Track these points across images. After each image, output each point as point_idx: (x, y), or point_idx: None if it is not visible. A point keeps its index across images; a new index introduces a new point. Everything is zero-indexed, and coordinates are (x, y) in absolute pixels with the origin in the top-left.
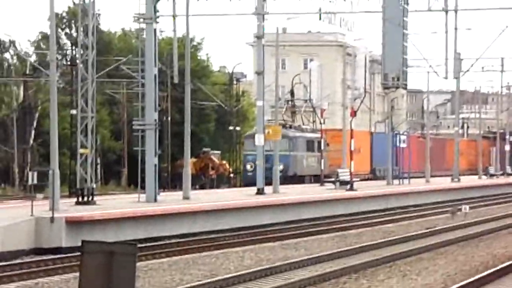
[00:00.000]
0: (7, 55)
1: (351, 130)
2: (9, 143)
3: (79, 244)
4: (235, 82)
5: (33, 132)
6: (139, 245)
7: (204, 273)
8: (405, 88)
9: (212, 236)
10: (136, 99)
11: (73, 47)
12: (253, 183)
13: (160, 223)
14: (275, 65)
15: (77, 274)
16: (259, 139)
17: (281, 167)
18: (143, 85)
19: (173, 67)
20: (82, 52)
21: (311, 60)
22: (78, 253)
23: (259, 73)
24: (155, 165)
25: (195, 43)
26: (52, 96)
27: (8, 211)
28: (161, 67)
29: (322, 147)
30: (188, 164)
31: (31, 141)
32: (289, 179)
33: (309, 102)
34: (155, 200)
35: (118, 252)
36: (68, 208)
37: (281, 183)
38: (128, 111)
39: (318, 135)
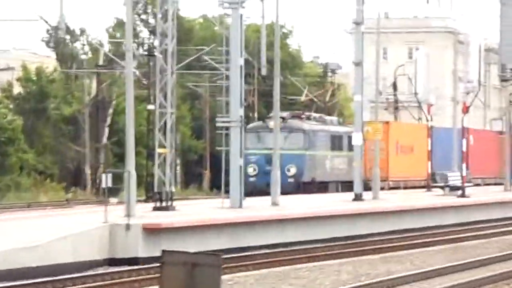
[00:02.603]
0: (78, 45)
1: (387, 123)
2: (81, 141)
3: (158, 254)
4: (329, 74)
5: (106, 129)
6: (224, 256)
7: None
8: None
9: (305, 246)
10: (220, 93)
11: (151, 35)
12: (256, 192)
13: (246, 231)
14: (376, 54)
15: (156, 287)
16: (357, 139)
17: (292, 170)
18: (227, 77)
19: (261, 57)
20: (160, 40)
21: (416, 48)
22: (157, 264)
23: (357, 64)
24: (241, 166)
25: (285, 31)
26: (128, 90)
27: (80, 217)
28: (248, 57)
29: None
30: (277, 165)
31: (105, 140)
32: (304, 186)
33: (414, 97)
34: (241, 206)
35: (201, 263)
36: (145, 214)
37: (293, 192)
38: (211, 107)
39: (348, 128)
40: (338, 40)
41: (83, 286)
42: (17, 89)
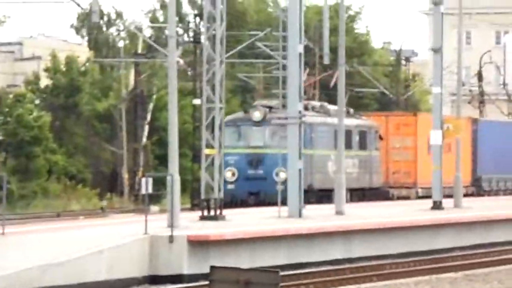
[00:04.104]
0: (113, 31)
1: (414, 114)
2: (117, 141)
3: (206, 270)
4: (403, 62)
5: (146, 127)
6: (281, 273)
7: None
8: None
9: (374, 262)
10: (276, 85)
11: (197, 19)
12: (234, 201)
13: (307, 245)
14: (458, 39)
15: None
16: (436, 137)
17: (282, 175)
18: (284, 67)
19: (323, 43)
20: (208, 25)
21: (505, 32)
22: (205, 283)
23: (436, 51)
24: (300, 170)
25: (351, 13)
26: (170, 82)
27: (116, 228)
28: (308, 43)
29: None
30: (343, 168)
31: (144, 139)
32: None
33: (502, 88)
34: (300, 216)
35: (256, 281)
36: (191, 224)
37: (282, 203)
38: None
39: (361, 121)
40: (413, 23)
41: None
42: (44, 81)
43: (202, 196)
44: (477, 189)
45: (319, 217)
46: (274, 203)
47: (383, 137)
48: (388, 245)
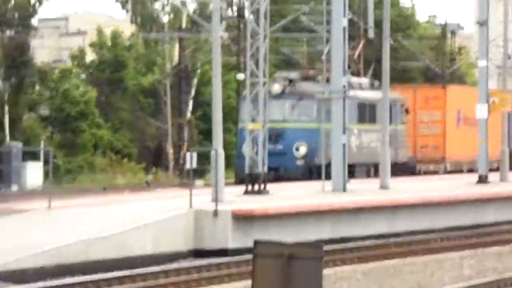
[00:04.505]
0: (157, 5)
1: (443, 87)
2: (162, 116)
3: (250, 244)
4: (449, 35)
5: (190, 102)
6: (325, 247)
7: (410, 284)
8: None
9: (420, 237)
10: (319, 60)
11: None
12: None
13: (351, 219)
14: (504, 12)
15: (248, 282)
16: (482, 111)
17: (302, 150)
18: (328, 41)
19: (368, 17)
20: None
21: None
22: (249, 256)
23: (482, 24)
24: (344, 144)
25: None
26: (214, 57)
27: (162, 203)
28: (352, 17)
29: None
30: (387, 142)
31: (188, 114)
32: (318, 171)
33: None
34: (344, 190)
35: (300, 255)
36: (235, 199)
37: (302, 179)
38: None
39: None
40: None
41: (166, 280)
42: (90, 56)
43: (247, 171)
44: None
45: (363, 191)
46: (294, 179)
47: (411, 111)
48: (434, 219)
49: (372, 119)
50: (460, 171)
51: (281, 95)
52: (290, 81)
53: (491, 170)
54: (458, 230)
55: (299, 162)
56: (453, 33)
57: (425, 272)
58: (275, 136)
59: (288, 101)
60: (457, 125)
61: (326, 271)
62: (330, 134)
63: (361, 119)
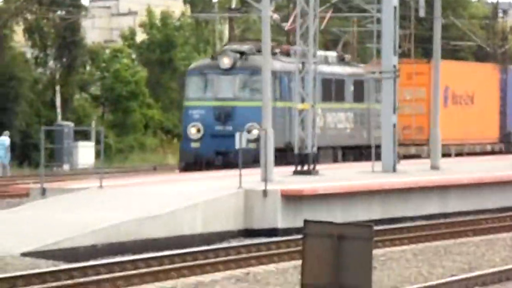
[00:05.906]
0: None
1: (428, 61)
2: None
3: (299, 224)
4: (500, 14)
5: None
6: (375, 228)
7: (460, 265)
8: None
9: (471, 218)
10: (370, 39)
11: None
12: (198, 162)
13: (401, 200)
14: None
15: (298, 262)
16: None
17: (254, 132)
18: (379, 20)
19: None
20: None
21: None
22: (299, 236)
23: None
24: (394, 124)
25: None
26: (264, 36)
27: (211, 182)
28: None
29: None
30: (438, 123)
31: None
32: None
33: None
34: (394, 170)
35: (350, 235)
36: (285, 179)
37: (253, 164)
38: (359, 55)
39: (355, 69)
40: None
41: (216, 259)
42: (140, 36)
43: (296, 151)
44: (506, 145)
45: (414, 171)
46: (244, 165)
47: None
48: (485, 200)
49: (340, 97)
50: (448, 155)
51: (230, 70)
52: (242, 54)
53: (491, 152)
54: (509, 211)
55: (251, 145)
56: (504, 12)
57: (475, 253)
58: (224, 116)
59: (239, 76)
60: (444, 104)
61: (376, 251)
62: (291, 114)
63: (326, 97)
